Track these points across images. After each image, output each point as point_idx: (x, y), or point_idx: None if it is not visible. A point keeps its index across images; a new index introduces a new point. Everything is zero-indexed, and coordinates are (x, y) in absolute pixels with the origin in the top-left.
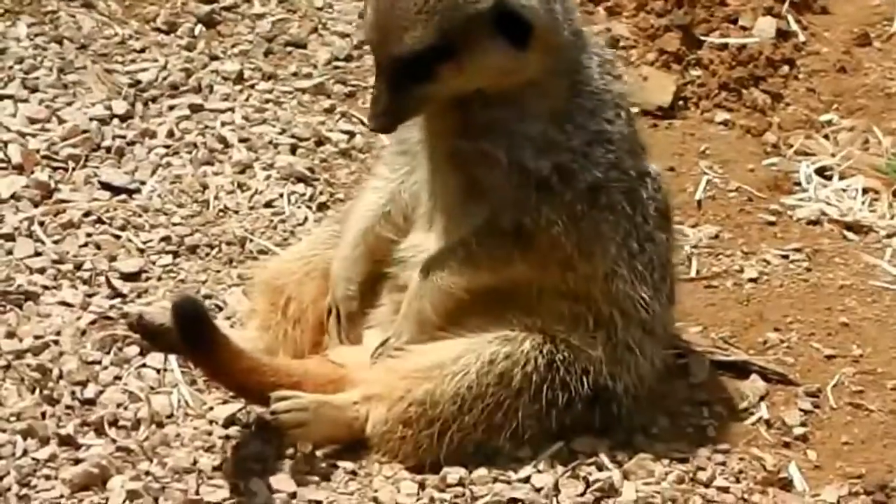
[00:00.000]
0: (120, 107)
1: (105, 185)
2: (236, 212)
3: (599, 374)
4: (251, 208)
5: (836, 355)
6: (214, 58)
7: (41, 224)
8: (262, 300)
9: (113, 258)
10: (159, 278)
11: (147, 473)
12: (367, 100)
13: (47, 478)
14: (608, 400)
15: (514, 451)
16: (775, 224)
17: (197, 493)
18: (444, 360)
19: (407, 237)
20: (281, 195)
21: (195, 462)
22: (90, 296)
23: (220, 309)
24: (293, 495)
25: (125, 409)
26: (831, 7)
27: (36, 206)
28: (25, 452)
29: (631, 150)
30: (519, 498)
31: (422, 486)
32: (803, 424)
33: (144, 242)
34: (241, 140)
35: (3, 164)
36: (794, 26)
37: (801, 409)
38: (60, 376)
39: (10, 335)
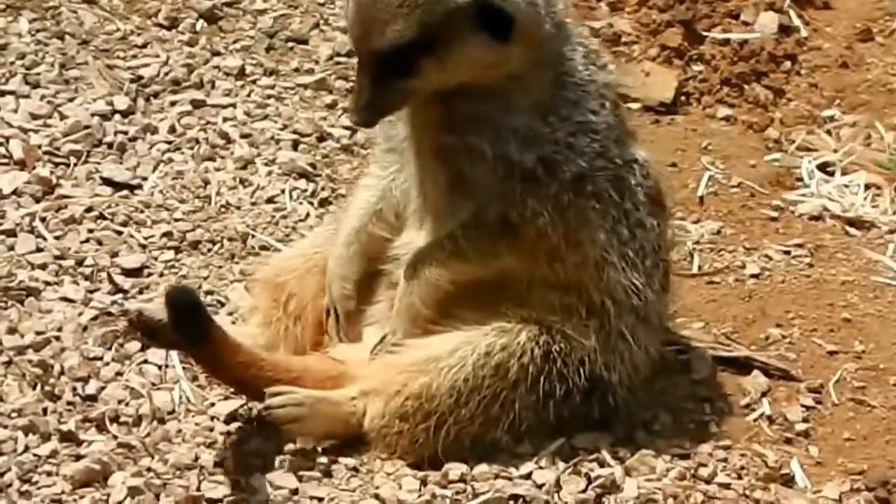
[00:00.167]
0: (122, 102)
1: (107, 181)
2: (238, 207)
3: (595, 364)
4: (253, 204)
5: (838, 351)
6: (216, 53)
7: (43, 220)
8: (263, 296)
9: (114, 254)
10: (161, 274)
11: (148, 470)
12: None
13: (48, 474)
14: (604, 391)
15: (514, 447)
16: (777, 220)
17: (198, 489)
18: (441, 353)
19: (400, 235)
20: (283, 191)
21: (196, 458)
22: (92, 292)
23: (222, 305)
24: (295, 492)
25: (126, 405)
26: (833, 2)
27: (37, 201)
28: (27, 448)
29: (617, 138)
30: (520, 494)
31: (423, 482)
32: (805, 420)
33: (146, 238)
34: (243, 136)
35: (5, 160)
36: (797, 21)
37: (802, 405)
38: (62, 372)
39: (12, 331)
